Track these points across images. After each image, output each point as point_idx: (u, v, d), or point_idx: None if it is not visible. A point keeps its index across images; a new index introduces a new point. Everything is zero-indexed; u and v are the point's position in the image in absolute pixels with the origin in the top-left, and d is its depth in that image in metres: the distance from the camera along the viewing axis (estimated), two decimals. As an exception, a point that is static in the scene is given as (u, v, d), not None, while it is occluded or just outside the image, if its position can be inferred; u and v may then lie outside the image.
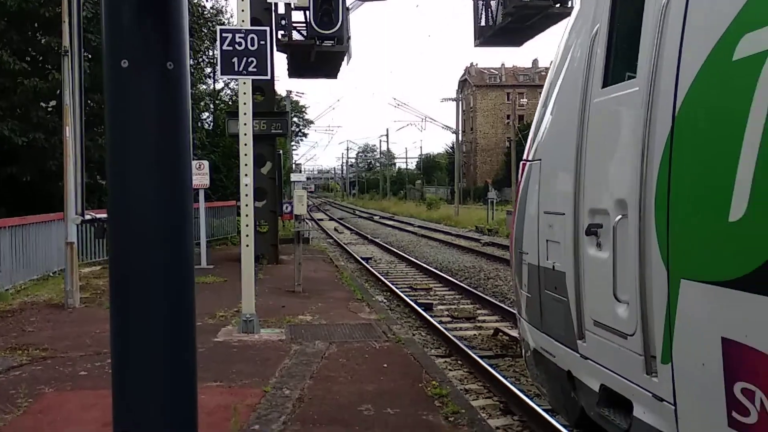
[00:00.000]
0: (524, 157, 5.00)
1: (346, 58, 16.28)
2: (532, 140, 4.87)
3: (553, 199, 4.31)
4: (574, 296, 3.93)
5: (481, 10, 17.90)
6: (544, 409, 6.04)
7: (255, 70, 7.69)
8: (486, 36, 18.08)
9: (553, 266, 4.22)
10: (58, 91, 15.69)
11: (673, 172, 2.89)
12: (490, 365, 7.84)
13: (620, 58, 3.68)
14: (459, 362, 8.56)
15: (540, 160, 4.62)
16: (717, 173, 2.61)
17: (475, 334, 10.09)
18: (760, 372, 2.37)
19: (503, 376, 7.38)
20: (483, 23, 18.01)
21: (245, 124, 8.64)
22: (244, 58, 7.59)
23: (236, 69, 7.71)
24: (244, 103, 8.65)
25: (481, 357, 8.25)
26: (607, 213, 3.54)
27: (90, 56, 16.91)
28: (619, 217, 3.38)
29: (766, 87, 2.39)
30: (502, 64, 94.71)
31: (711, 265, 2.68)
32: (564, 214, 4.05)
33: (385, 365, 7.34)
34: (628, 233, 3.28)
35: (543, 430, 5.97)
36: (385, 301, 12.95)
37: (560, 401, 4.44)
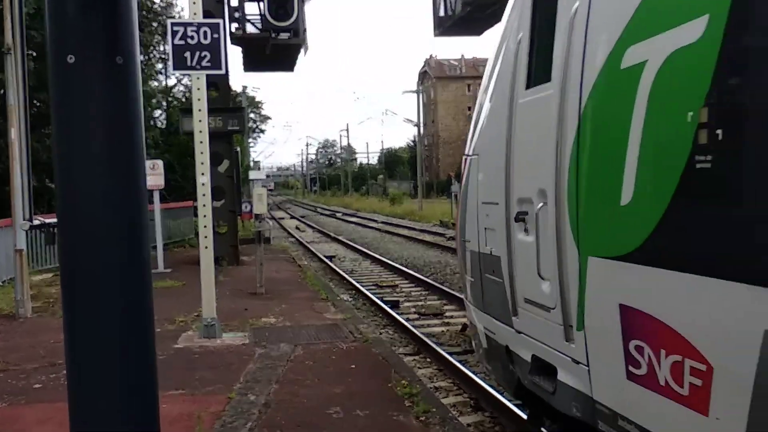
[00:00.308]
0: (465, 151, 5.37)
1: (302, 50, 16.05)
2: (471, 136, 5.27)
3: (489, 190, 4.72)
4: (508, 278, 4.35)
5: (440, 0, 17.87)
6: (514, 404, 5.99)
7: (209, 64, 7.46)
8: (446, 26, 18.07)
9: (491, 251, 4.64)
10: (2, 91, 15.09)
11: (579, 164, 3.36)
12: (460, 362, 7.78)
13: (539, 63, 4.12)
14: (428, 360, 8.48)
15: (478, 155, 5.05)
16: (610, 165, 3.07)
17: (443, 331, 10.03)
18: (647, 330, 2.87)
19: (473, 372, 7.32)
20: (442, 13, 17.98)
21: (200, 120, 8.38)
22: (197, 53, 7.35)
23: (189, 64, 7.46)
24: (199, 99, 8.38)
25: (449, 354, 8.18)
26: (531, 202, 3.97)
27: (34, 54, 16.32)
28: (541, 204, 3.81)
29: (644, 91, 2.84)
30: (462, 56, 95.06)
31: (609, 243, 3.15)
32: (498, 203, 4.46)
33: (353, 366, 7.21)
34: (548, 219, 3.70)
35: (513, 425, 5.93)
36: (350, 300, 12.82)
37: (501, 375, 4.83)
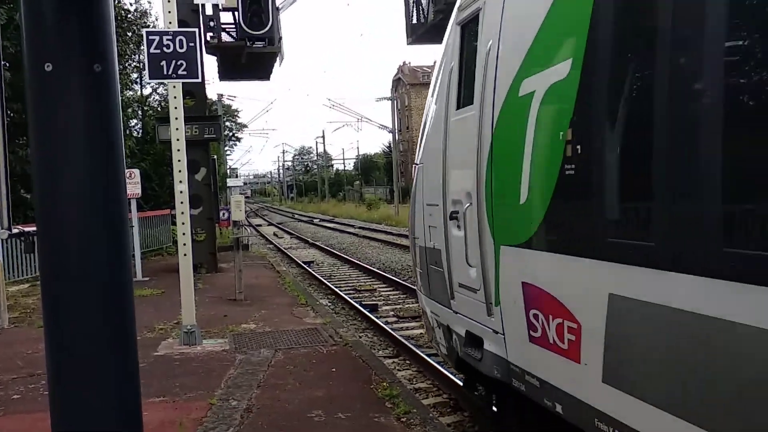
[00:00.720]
0: (415, 161, 6.21)
1: (278, 59, 16.07)
2: (419, 147, 6.10)
3: (431, 193, 5.50)
4: (446, 267, 5.16)
5: (413, 7, 17.97)
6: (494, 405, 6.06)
7: (185, 73, 7.46)
8: (418, 33, 18.15)
9: (434, 246, 5.49)
10: (-26, 102, 14.91)
11: (492, 172, 4.23)
12: (438, 363, 7.85)
13: (466, 88, 4.92)
14: (407, 362, 8.55)
15: (423, 163, 5.88)
16: (513, 172, 3.91)
17: (421, 333, 10.09)
18: (540, 301, 3.70)
19: (452, 373, 7.39)
20: (415, 21, 18.05)
21: (177, 129, 8.38)
22: (173, 61, 7.35)
23: (165, 72, 7.45)
24: (175, 108, 8.38)
25: (428, 355, 8.25)
26: (461, 203, 4.76)
27: (7, 64, 16.14)
28: (468, 205, 4.61)
29: (533, 115, 3.67)
30: (434, 62, 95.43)
31: (513, 233, 4.00)
32: (438, 205, 5.27)
33: (334, 369, 7.25)
34: (473, 216, 4.52)
35: (493, 425, 6.00)
36: (329, 304, 12.85)
37: (445, 351, 5.69)
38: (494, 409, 5.17)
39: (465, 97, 4.88)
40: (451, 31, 5.37)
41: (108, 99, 1.88)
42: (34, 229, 1.93)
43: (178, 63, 7.38)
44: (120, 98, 1.99)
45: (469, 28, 4.98)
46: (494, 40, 4.28)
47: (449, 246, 5.04)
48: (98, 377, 1.85)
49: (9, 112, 16.41)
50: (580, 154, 3.27)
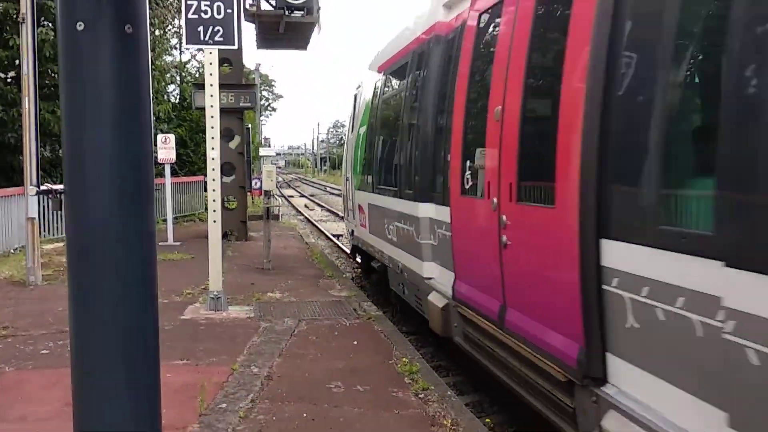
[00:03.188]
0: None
1: (316, 29, 15.96)
2: (344, 151, 13.85)
3: (344, 172, 12.82)
4: (344, 200, 13.13)
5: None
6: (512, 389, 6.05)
7: (221, 39, 7.47)
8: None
9: (345, 192, 12.91)
10: (17, 61, 15.16)
11: (354, 160, 11.15)
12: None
13: (353, 121, 11.93)
14: (429, 339, 8.55)
15: (345, 157, 13.16)
16: (358, 160, 10.87)
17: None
18: (361, 209, 10.45)
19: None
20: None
21: (212, 95, 8.41)
22: (210, 27, 7.35)
23: (202, 38, 7.47)
24: (211, 74, 8.41)
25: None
26: (348, 172, 12.10)
27: (51, 24, 16.35)
28: (349, 176, 11.86)
29: (361, 140, 10.55)
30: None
31: (357, 184, 10.85)
32: (348, 178, 12.13)
33: (355, 342, 7.30)
34: (348, 178, 11.92)
35: (510, 403, 6.01)
36: (356, 278, 12.89)
37: (351, 241, 12.67)
38: (358, 260, 12.89)
39: (353, 126, 11.77)
40: (353, 97, 12.40)
41: (138, 61, 1.87)
42: (62, 187, 1.95)
43: (215, 29, 7.38)
44: (150, 61, 1.99)
45: (356, 98, 12.02)
46: (357, 107, 11.29)
47: (347, 196, 12.18)
48: (118, 336, 1.88)
49: (51, 71, 16.66)
50: (370, 156, 9.75)
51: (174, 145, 15.50)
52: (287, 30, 15.59)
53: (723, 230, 2.72)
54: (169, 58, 27.29)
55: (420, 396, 5.68)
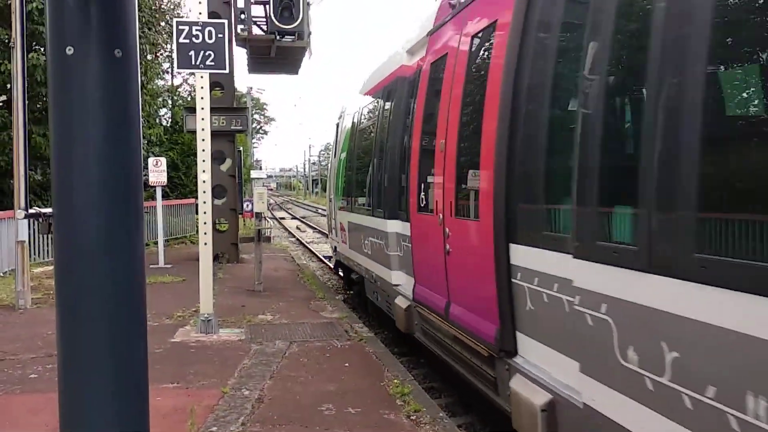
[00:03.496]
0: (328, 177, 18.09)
1: (307, 53, 16.11)
2: (329, 173, 15.31)
3: (329, 193, 14.40)
4: (328, 219, 14.52)
5: None
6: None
7: (213, 63, 7.53)
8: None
9: (330, 215, 14.08)
10: (8, 86, 15.18)
11: (336, 184, 12.34)
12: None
13: (337, 146, 13.06)
14: (421, 360, 8.53)
15: (328, 180, 14.82)
16: (338, 182, 12.17)
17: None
18: (342, 227, 11.61)
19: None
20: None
21: (203, 119, 8.46)
22: (202, 52, 7.42)
23: (193, 62, 7.53)
24: (202, 98, 8.46)
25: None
26: (330, 199, 13.75)
27: (44, 50, 16.40)
28: (332, 197, 13.12)
29: (342, 166, 11.81)
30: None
31: (340, 203, 11.73)
32: (331, 199, 13.41)
33: (347, 364, 7.27)
34: (331, 199, 13.47)
35: (501, 425, 5.98)
36: (348, 300, 12.86)
37: (335, 257, 13.52)
38: (341, 273, 13.72)
39: (336, 151, 12.75)
40: (335, 125, 13.69)
41: (127, 85, 1.88)
42: (50, 210, 1.95)
43: (207, 54, 7.44)
44: (140, 85, 2.01)
45: (337, 127, 13.25)
46: (339, 134, 12.72)
47: (329, 212, 13.73)
48: (105, 360, 1.86)
49: (43, 94, 16.69)
50: (349, 179, 11.17)
51: (165, 168, 15.53)
52: (278, 54, 15.72)
53: (570, 233, 3.88)
54: (160, 82, 27.43)
55: (412, 418, 5.65)
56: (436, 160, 6.20)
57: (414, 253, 7.11)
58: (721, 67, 3.05)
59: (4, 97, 17.40)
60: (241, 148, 18.87)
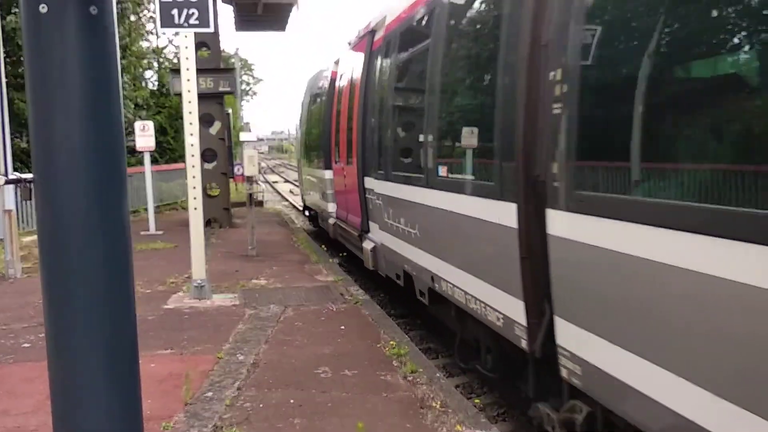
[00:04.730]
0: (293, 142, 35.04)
1: (294, 8, 15.79)
2: (297, 139, 22.23)
3: (297, 156, 20.47)
4: (300, 181, 19.79)
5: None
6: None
7: (197, 22, 7.31)
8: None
9: (300, 172, 19.09)
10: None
11: (300, 148, 18.71)
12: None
13: (300, 121, 18.62)
14: (417, 322, 8.54)
15: (296, 145, 23.10)
16: (301, 148, 18.38)
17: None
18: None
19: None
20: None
21: (189, 80, 8.25)
22: (185, 10, 7.19)
23: (177, 21, 7.30)
24: (187, 58, 8.24)
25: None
26: (299, 160, 19.59)
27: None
28: (298, 159, 19.69)
29: (302, 135, 18.07)
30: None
31: (305, 167, 16.66)
32: (300, 160, 18.91)
33: (343, 327, 7.25)
34: (299, 164, 19.28)
35: (498, 385, 6.03)
36: (344, 263, 12.82)
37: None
38: (307, 213, 18.80)
39: (299, 125, 18.82)
40: (300, 104, 18.12)
41: (105, 43, 1.81)
42: (31, 176, 1.88)
43: (190, 12, 7.22)
44: (117, 43, 1.91)
45: (302, 105, 17.57)
46: (302, 111, 17.57)
47: (298, 168, 19.61)
48: (94, 329, 1.83)
49: (23, 59, 16.33)
50: (304, 144, 16.83)
51: (153, 133, 15.27)
52: (265, 11, 15.39)
53: (383, 170, 7.94)
54: (145, 44, 26.86)
55: (409, 379, 5.65)
56: (341, 136, 10.94)
57: (335, 189, 11.82)
58: None
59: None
60: (231, 110, 18.61)
